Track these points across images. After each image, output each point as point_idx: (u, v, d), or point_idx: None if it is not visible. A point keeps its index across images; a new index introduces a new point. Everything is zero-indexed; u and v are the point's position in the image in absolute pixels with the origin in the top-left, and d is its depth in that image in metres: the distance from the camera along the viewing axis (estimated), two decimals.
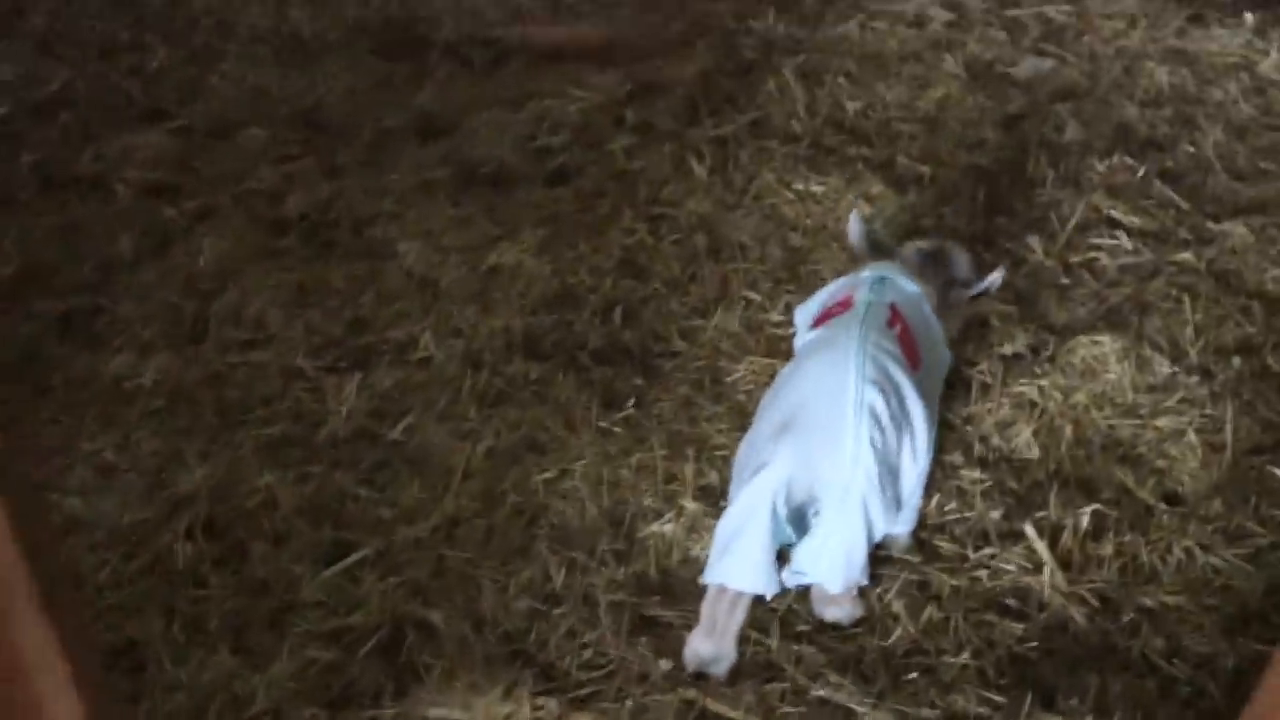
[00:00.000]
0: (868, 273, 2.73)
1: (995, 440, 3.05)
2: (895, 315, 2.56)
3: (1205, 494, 2.91)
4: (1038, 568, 2.76)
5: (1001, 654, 2.60)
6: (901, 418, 2.44)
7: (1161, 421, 3.06)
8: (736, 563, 2.48)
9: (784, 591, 2.59)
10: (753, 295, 3.43)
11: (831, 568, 2.47)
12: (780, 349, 3.25)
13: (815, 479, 2.41)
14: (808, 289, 3.39)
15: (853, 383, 2.36)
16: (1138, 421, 3.06)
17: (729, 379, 3.23)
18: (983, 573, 2.75)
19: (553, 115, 4.15)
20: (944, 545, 2.80)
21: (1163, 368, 3.19)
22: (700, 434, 3.07)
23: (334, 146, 4.14)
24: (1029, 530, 2.80)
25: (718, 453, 3.02)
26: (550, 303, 3.50)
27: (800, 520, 2.49)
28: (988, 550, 2.79)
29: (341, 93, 4.45)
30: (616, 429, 3.10)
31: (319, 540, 2.87)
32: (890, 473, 2.43)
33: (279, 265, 3.67)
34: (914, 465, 2.49)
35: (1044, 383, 3.15)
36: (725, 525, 2.50)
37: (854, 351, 2.40)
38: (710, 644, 2.55)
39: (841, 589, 2.52)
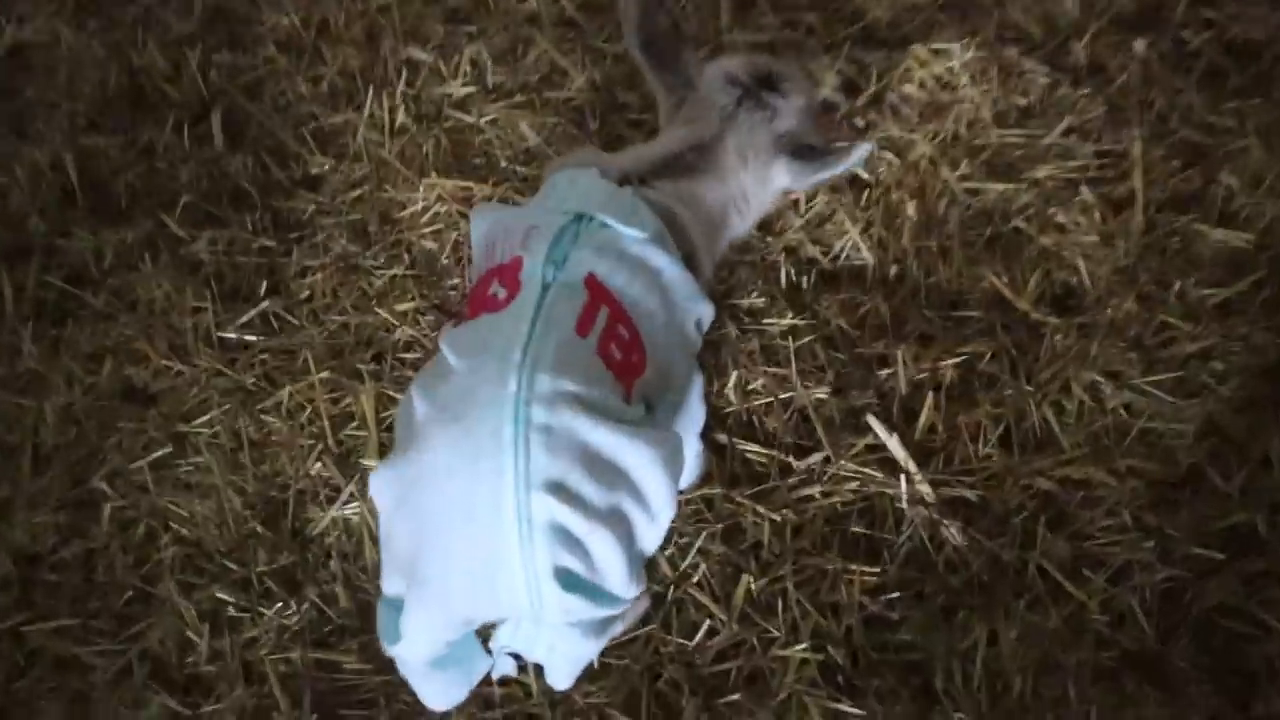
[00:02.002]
0: (551, 204, 1.54)
1: (808, 251, 2.06)
2: (594, 298, 1.43)
3: (1111, 286, 2.02)
4: (891, 470, 1.92)
5: (852, 625, 1.81)
6: (614, 488, 1.39)
7: (1043, 171, 2.09)
8: (419, 689, 1.60)
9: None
10: (417, 54, 2.21)
11: (554, 675, 1.60)
12: (477, 159, 2.11)
13: (488, 620, 1.50)
14: (503, 27, 2.21)
15: (510, 504, 1.31)
16: (1010, 181, 2.09)
17: (403, 214, 2.12)
18: (813, 491, 1.90)
19: None
20: (755, 456, 1.92)
21: (1038, 75, 2.16)
22: (373, 324, 2.02)
23: None
24: (873, 422, 1.92)
25: (408, 355, 2.01)
26: (109, 106, 2.24)
27: None
28: (816, 456, 1.92)
29: None
30: (250, 339, 2.04)
31: None
32: (606, 580, 1.43)
33: None
34: (653, 523, 1.46)
35: (868, 142, 2.11)
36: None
37: (506, 442, 1.31)
38: None
39: (571, 684, 1.66)
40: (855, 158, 1.63)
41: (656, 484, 1.42)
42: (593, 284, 1.42)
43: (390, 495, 1.40)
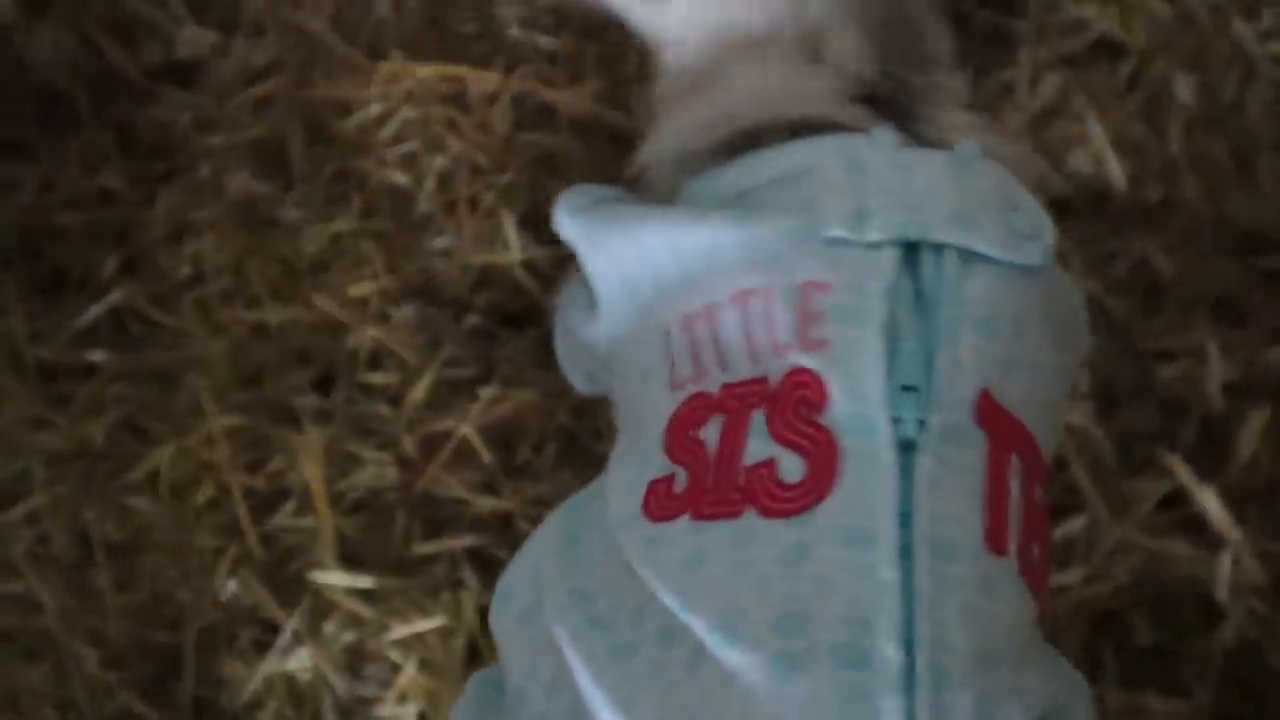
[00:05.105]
0: (841, 207, 0.61)
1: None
2: (998, 442, 0.58)
3: None
4: (1197, 536, 1.17)
5: None
6: None
7: None
8: None
9: None
10: None
11: None
12: (467, 23, 1.24)
13: None
14: None
15: None
16: None
17: (347, 125, 1.23)
18: (1072, 577, 1.14)
19: None
20: None
21: None
22: (310, 322, 1.17)
23: None
24: (1174, 463, 1.15)
25: (375, 377, 1.17)
26: None
27: None
28: (1077, 519, 1.16)
29: None
30: (94, 359, 1.17)
31: None
32: None
33: None
34: None
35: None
36: None
37: None
38: None
39: None
40: None
41: None
42: (988, 409, 0.60)
43: None
